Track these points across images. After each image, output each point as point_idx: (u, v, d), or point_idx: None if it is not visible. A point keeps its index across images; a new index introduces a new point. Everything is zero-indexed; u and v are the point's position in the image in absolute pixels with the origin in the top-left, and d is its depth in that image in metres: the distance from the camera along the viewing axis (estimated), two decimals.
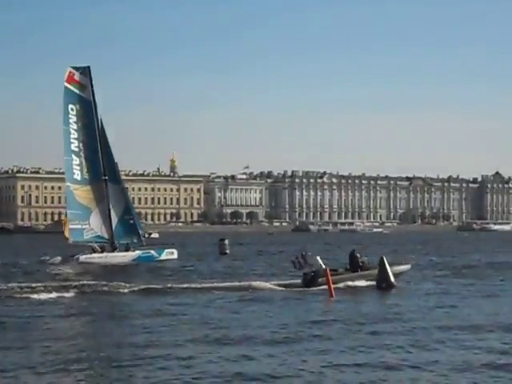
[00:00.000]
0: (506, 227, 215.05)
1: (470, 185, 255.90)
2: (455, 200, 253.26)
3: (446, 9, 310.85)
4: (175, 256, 48.77)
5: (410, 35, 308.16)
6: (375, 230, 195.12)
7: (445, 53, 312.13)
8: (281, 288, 28.42)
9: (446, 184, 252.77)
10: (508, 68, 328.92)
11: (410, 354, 15.53)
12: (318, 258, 29.02)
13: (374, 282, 28.46)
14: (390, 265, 29.34)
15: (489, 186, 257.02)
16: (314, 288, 27.78)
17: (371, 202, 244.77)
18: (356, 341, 17.12)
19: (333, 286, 26.58)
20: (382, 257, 28.97)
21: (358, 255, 29.72)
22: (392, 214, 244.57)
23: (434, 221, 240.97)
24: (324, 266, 28.15)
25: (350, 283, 28.62)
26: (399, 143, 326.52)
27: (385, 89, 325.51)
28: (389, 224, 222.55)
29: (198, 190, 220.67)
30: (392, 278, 28.36)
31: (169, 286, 29.23)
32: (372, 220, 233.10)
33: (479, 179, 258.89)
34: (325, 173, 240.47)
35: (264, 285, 29.06)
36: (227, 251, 55.74)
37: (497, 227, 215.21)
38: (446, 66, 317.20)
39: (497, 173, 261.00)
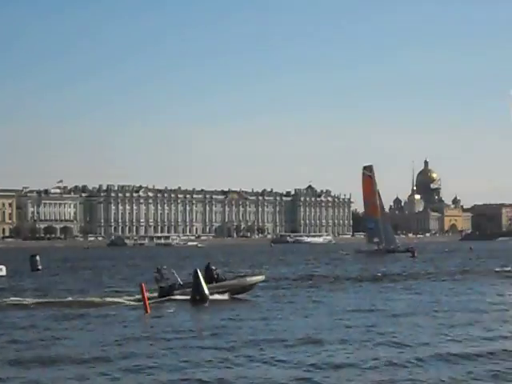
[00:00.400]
0: (319, 239, 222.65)
1: (284, 198, 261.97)
2: (269, 213, 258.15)
3: None
4: (3, 273, 47.37)
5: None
6: (190, 243, 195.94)
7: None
8: (136, 302, 28.38)
9: (260, 197, 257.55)
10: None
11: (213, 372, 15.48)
12: (174, 271, 30.15)
13: (226, 296, 29.52)
14: (246, 275, 31.53)
15: (302, 199, 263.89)
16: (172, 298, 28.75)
17: (187, 215, 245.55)
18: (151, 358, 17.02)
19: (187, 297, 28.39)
20: (196, 270, 29.19)
21: (213, 268, 30.38)
22: (208, 228, 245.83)
23: (248, 234, 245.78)
24: (179, 280, 29.54)
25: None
26: (216, 157, 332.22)
27: (209, 102, 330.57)
28: (204, 237, 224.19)
29: (10, 205, 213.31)
30: (206, 291, 28.72)
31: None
32: (188, 234, 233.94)
33: (292, 192, 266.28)
34: (140, 187, 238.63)
35: (118, 300, 29.50)
36: (39, 267, 54.12)
37: (309, 239, 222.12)
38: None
39: (309, 186, 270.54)
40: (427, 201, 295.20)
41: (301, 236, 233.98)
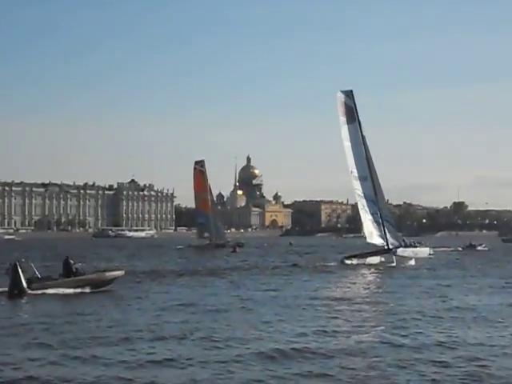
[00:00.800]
0: (141, 234, 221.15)
1: (106, 192, 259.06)
2: (91, 207, 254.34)
3: None
4: None
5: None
6: (7, 237, 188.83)
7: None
8: None
9: (82, 191, 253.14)
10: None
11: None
12: (32, 265, 29.84)
13: (86, 289, 29.73)
14: (106, 270, 32.32)
15: (124, 193, 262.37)
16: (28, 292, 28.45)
17: (5, 208, 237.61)
18: None
19: (46, 291, 28.49)
20: (16, 263, 28.62)
21: (72, 262, 30.39)
22: (27, 221, 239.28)
23: (69, 227, 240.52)
24: (38, 273, 29.37)
25: (62, 290, 29.08)
26: (36, 148, 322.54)
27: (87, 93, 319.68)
28: (23, 231, 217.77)
29: None
30: (25, 284, 28.40)
31: None
32: (6, 227, 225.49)
33: (115, 186, 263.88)
34: None
35: None
36: None
37: (131, 234, 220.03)
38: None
39: (132, 180, 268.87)
40: (249, 196, 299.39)
41: (123, 230, 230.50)
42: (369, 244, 53.16)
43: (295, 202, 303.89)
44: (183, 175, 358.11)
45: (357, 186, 52.50)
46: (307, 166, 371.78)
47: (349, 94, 52.97)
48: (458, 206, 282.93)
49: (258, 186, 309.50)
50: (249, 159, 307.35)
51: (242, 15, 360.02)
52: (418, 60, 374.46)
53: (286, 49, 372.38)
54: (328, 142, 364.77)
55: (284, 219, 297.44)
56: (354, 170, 52.34)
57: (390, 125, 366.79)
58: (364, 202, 52.67)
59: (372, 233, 52.41)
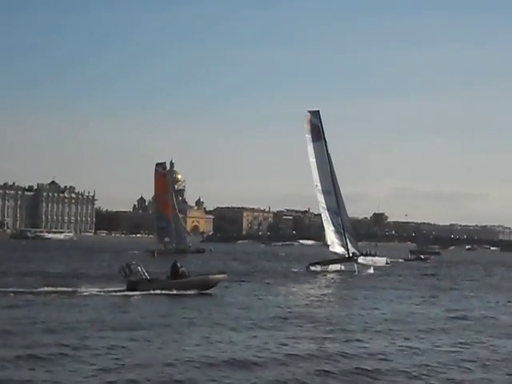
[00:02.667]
0: (60, 236, 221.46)
1: (26, 192, 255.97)
2: (10, 207, 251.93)
3: None
4: None
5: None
6: None
7: None
8: (106, 293, 31.91)
9: (1, 191, 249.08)
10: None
11: None
12: (141, 267, 33.37)
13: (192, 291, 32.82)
14: (210, 273, 36.72)
15: (44, 194, 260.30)
16: (137, 292, 31.75)
17: None
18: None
19: (162, 292, 32.04)
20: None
21: (179, 265, 33.97)
22: None
23: None
24: (147, 275, 32.93)
25: (175, 291, 32.56)
26: None
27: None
28: None
29: None
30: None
31: None
32: None
33: (35, 187, 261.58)
34: None
35: (91, 290, 32.51)
36: None
37: (50, 236, 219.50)
38: None
39: (53, 181, 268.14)
40: None
41: (41, 232, 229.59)
42: (333, 252, 59.06)
43: (217, 208, 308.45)
44: (105, 178, 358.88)
45: (321, 198, 58.33)
46: (231, 173, 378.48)
47: (316, 114, 58.79)
48: (378, 217, 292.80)
49: (181, 192, 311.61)
50: (172, 164, 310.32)
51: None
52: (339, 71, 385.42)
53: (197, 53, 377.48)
54: (253, 149, 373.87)
55: (206, 225, 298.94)
56: (319, 184, 58.14)
57: None
58: (327, 213, 58.53)
59: (334, 242, 58.31)
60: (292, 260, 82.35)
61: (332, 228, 58.67)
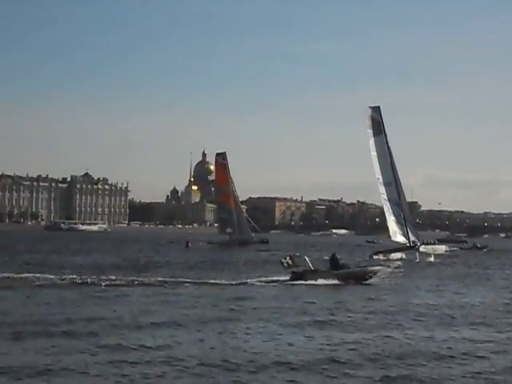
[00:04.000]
0: (94, 227, 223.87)
1: (59, 184, 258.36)
2: (44, 199, 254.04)
3: None
4: None
5: None
6: None
7: None
8: (272, 283, 34.29)
9: (35, 183, 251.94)
10: None
11: None
12: (307, 258, 35.56)
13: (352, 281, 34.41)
14: (367, 265, 39.23)
15: (78, 186, 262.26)
16: (304, 282, 33.64)
17: None
18: None
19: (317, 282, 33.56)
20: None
21: (338, 257, 36.03)
22: None
23: (22, 220, 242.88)
24: (311, 266, 34.69)
25: (331, 281, 34.01)
26: None
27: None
28: None
29: None
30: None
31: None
32: None
33: (68, 179, 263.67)
34: None
35: (259, 281, 34.99)
36: None
37: (84, 227, 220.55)
38: None
39: (86, 173, 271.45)
40: (204, 192, 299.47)
41: (75, 223, 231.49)
42: (393, 242, 62.19)
43: (250, 198, 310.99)
44: (138, 169, 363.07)
45: (382, 190, 61.40)
46: (264, 163, 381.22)
47: (376, 110, 61.93)
48: (411, 206, 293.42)
49: (213, 182, 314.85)
50: (204, 155, 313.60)
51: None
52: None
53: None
54: (285, 139, 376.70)
55: None
56: (380, 177, 61.19)
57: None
58: (389, 204, 61.55)
59: (396, 232, 61.40)
60: (351, 250, 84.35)
61: (393, 218, 61.67)
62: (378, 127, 61.33)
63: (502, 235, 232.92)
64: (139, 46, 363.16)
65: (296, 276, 34.40)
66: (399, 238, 61.30)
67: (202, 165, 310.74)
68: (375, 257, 59.50)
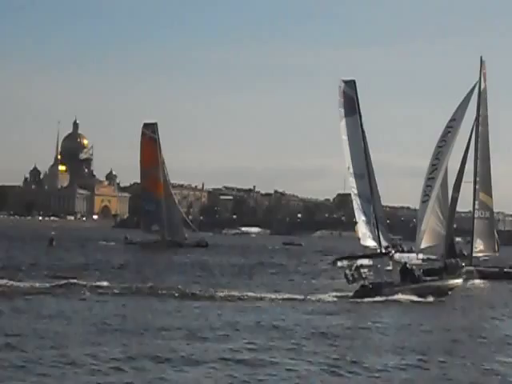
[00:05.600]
0: None
1: None
2: None
3: None
4: None
5: None
6: None
7: None
8: (335, 299, 36.67)
9: None
10: None
11: None
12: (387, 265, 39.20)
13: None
14: (447, 278, 41.14)
15: None
16: (377, 298, 35.87)
17: None
18: None
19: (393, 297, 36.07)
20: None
21: (412, 267, 39.07)
22: None
23: None
24: (385, 279, 38.15)
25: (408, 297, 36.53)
26: None
27: None
28: None
29: None
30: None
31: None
32: None
33: None
34: None
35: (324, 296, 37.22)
36: None
37: None
38: None
39: None
40: (74, 174, 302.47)
41: None
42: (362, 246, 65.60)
43: (135, 183, 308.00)
44: None
45: (352, 183, 64.55)
46: None
47: (351, 85, 65.09)
48: (343, 199, 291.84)
49: (87, 161, 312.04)
50: (76, 125, 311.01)
51: None
52: None
53: None
54: (182, 110, 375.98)
55: (119, 206, 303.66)
56: (351, 167, 64.58)
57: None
58: (359, 200, 64.75)
59: (365, 234, 64.89)
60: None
61: (363, 218, 64.78)
62: (351, 105, 64.51)
63: (458, 239, 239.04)
64: None
65: (367, 290, 36.87)
66: (369, 243, 64.63)
67: (72, 138, 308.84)
68: (339, 263, 62.20)
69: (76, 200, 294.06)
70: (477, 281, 54.52)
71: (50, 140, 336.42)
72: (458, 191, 59.65)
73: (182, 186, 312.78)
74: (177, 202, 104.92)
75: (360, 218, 64.57)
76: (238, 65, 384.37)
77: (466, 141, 61.31)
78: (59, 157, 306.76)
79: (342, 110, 62.97)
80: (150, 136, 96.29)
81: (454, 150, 60.34)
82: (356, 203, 64.79)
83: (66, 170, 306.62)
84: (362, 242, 64.83)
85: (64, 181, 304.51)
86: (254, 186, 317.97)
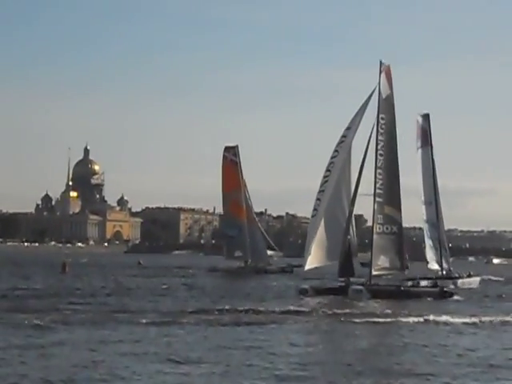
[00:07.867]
0: None
1: None
2: None
3: None
4: None
5: None
6: None
7: None
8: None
9: None
10: None
11: None
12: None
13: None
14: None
15: None
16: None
17: None
18: None
19: None
20: None
21: None
22: None
23: None
24: None
25: None
26: None
27: None
28: None
29: None
30: None
31: None
32: None
33: None
34: None
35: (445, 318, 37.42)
36: None
37: None
38: None
39: None
40: (86, 200, 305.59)
41: None
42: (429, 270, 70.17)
43: (146, 208, 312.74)
44: None
45: (423, 210, 70.48)
46: (164, 164, 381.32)
47: (426, 118, 70.77)
48: (356, 220, 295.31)
49: (99, 187, 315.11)
50: (87, 151, 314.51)
51: None
52: None
53: None
54: (189, 135, 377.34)
55: (131, 231, 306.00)
56: (422, 195, 70.23)
57: None
58: (427, 226, 70.60)
59: (432, 258, 70.34)
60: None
61: (430, 243, 70.65)
62: (425, 137, 70.11)
63: (471, 258, 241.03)
64: None
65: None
66: (434, 266, 69.90)
67: (83, 164, 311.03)
68: (409, 282, 63.96)
69: (88, 226, 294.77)
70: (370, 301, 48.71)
71: (61, 166, 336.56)
72: (353, 204, 55.59)
73: (193, 209, 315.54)
74: (260, 226, 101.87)
75: (428, 242, 70.53)
76: (238, 86, 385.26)
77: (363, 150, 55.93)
78: (70, 183, 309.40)
79: (419, 143, 69.37)
80: (230, 159, 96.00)
81: (353, 160, 56.37)
82: (424, 229, 70.67)
83: (77, 196, 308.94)
84: (430, 266, 70.19)
85: (76, 207, 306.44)
86: (266, 209, 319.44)
